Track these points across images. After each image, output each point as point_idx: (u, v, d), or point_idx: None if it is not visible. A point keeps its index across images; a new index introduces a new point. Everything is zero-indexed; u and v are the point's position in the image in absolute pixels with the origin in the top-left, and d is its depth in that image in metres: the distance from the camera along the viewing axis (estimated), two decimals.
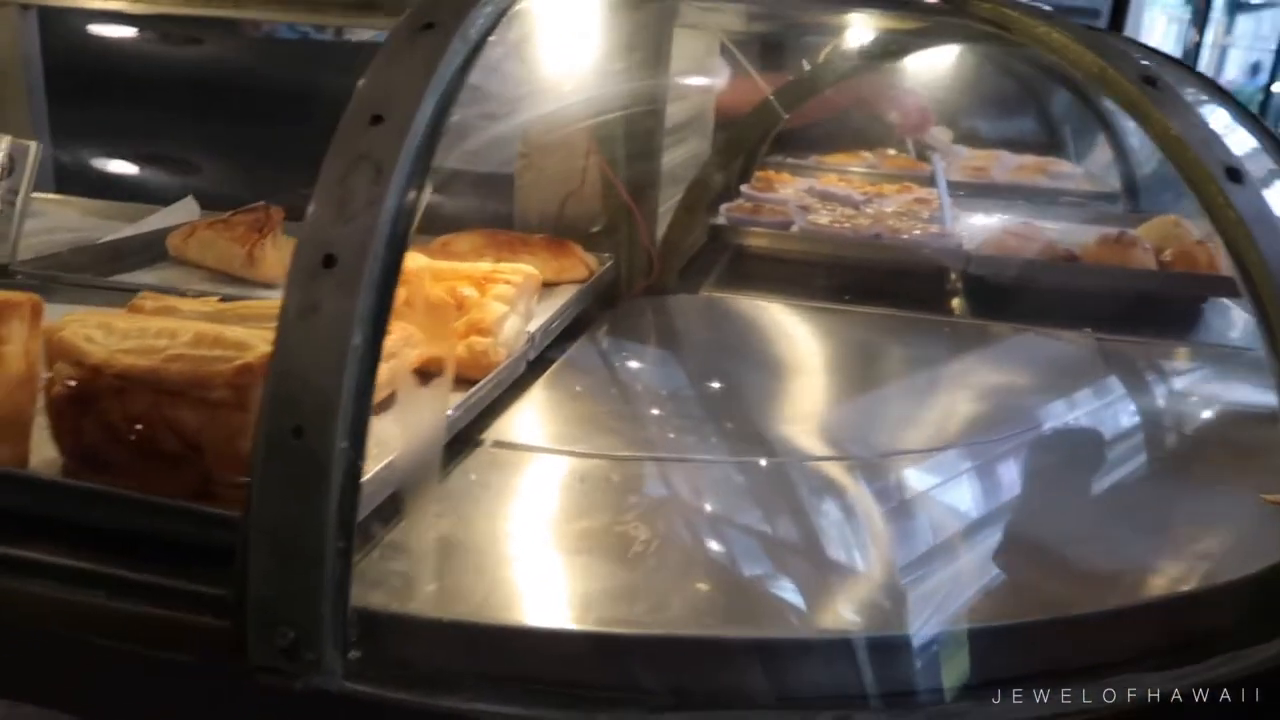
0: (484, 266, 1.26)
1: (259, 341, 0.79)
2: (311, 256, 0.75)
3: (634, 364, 1.40)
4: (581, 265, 1.65)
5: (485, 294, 1.20)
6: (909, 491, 1.01)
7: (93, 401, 0.79)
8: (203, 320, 0.89)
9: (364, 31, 3.63)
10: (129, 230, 1.68)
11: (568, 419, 1.18)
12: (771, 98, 2.02)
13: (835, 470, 1.06)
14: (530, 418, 1.16)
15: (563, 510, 0.95)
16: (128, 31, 2.70)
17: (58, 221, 1.82)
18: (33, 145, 1.47)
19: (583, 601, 0.78)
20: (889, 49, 2.08)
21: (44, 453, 0.89)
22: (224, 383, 0.76)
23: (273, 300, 0.96)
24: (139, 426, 0.78)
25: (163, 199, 2.09)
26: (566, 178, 1.80)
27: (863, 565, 0.88)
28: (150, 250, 1.63)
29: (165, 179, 2.62)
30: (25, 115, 2.15)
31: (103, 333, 0.81)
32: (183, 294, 1.34)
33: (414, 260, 1.29)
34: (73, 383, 0.79)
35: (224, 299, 1.35)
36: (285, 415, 0.72)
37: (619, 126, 1.70)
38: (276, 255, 1.52)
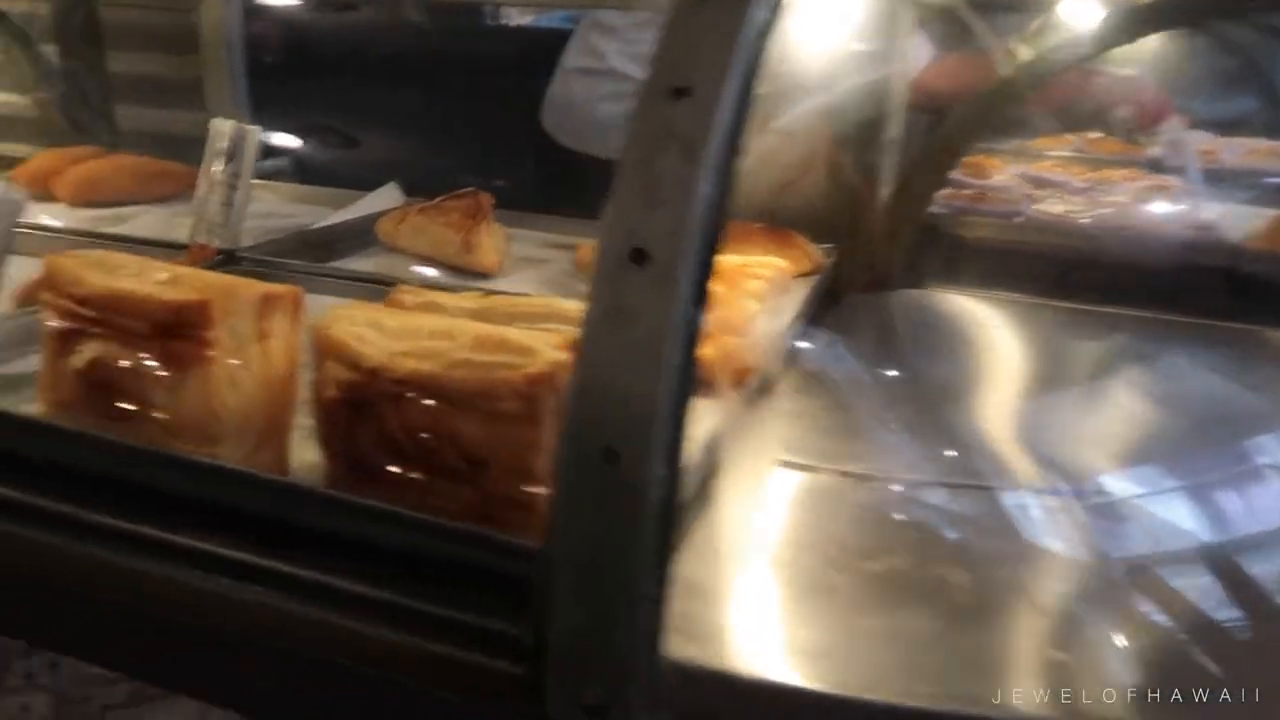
0: (733, 260, 1.15)
1: (544, 345, 0.70)
2: (618, 250, 0.65)
3: (881, 369, 1.27)
4: (806, 258, 1.52)
5: (735, 290, 1.09)
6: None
7: (368, 407, 0.72)
8: (469, 317, 0.81)
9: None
10: (339, 215, 1.65)
11: (828, 431, 1.06)
12: (1006, 78, 1.84)
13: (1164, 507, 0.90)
14: (786, 429, 1.04)
15: (861, 545, 0.83)
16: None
17: (264, 206, 1.81)
18: (253, 129, 1.44)
19: (933, 671, 0.65)
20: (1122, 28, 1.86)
21: (302, 456, 0.84)
22: (513, 393, 0.68)
23: (542, 297, 0.88)
24: (417, 437, 0.70)
25: (331, 175, 2.08)
26: (786, 165, 1.67)
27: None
28: (361, 236, 1.59)
29: (333, 154, 2.61)
30: (227, 94, 2.17)
31: (374, 331, 0.73)
32: (404, 283, 1.29)
33: None
34: (347, 386, 0.71)
35: (443, 289, 1.30)
36: (594, 435, 0.62)
37: (846, 112, 1.56)
38: (491, 242, 1.46)
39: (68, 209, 1.76)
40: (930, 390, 1.24)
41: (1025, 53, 2.01)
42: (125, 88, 2.16)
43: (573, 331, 0.76)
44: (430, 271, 1.47)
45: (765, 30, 0.73)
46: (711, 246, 0.65)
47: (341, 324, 0.74)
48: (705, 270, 0.65)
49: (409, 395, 0.70)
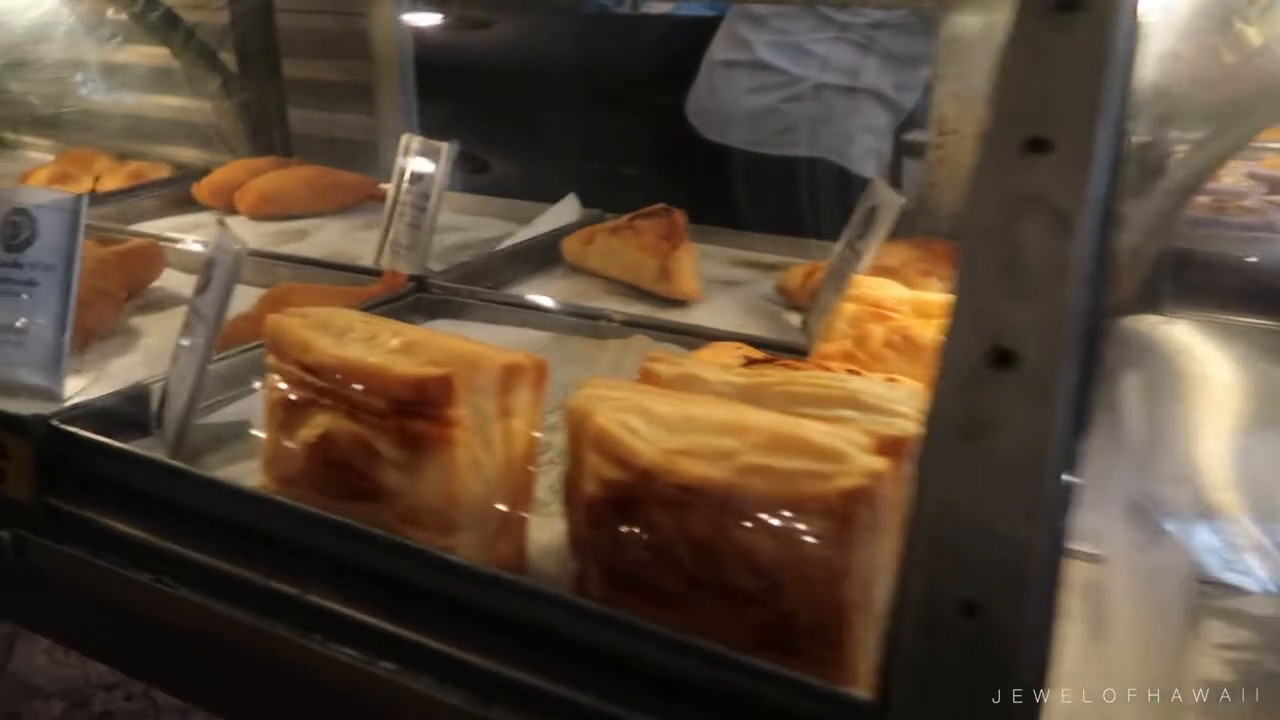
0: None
1: (853, 449, 0.59)
2: (973, 347, 0.52)
3: (1155, 410, 1.10)
4: None
5: None
6: None
7: (637, 510, 0.62)
8: (738, 396, 0.70)
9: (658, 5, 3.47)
10: (523, 233, 1.57)
11: None
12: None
13: None
14: None
15: None
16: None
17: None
18: (447, 145, 1.37)
19: None
20: None
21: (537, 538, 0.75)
22: (823, 510, 0.56)
23: (825, 373, 0.76)
24: (699, 550, 0.59)
25: (489, 183, 1.98)
26: None
27: None
28: (543, 254, 1.51)
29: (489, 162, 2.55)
30: (398, 100, 2.13)
31: (643, 420, 0.63)
32: (609, 319, 1.20)
33: (888, 288, 1.06)
34: (614, 486, 0.61)
35: (632, 319, 1.20)
36: (945, 581, 0.50)
37: None
38: (690, 266, 1.35)
39: (248, 222, 1.74)
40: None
41: (1254, 35, 1.77)
42: (297, 93, 2.15)
43: (883, 426, 0.64)
44: (618, 304, 1.38)
45: (1129, 60, 0.60)
46: (1095, 344, 0.52)
47: (605, 409, 0.64)
48: (1086, 374, 0.52)
49: (691, 503, 0.59)
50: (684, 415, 0.64)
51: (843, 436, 0.60)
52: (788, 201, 2.10)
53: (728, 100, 2.15)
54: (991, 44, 1.51)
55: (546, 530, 0.76)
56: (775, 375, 0.71)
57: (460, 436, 0.69)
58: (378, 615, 0.70)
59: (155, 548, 0.81)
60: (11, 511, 0.86)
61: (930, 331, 1.00)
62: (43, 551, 0.85)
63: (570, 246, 1.50)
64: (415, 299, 1.29)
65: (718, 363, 0.88)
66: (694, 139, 2.21)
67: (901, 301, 1.03)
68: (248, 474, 0.85)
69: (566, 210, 1.67)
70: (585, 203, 1.68)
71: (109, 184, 1.99)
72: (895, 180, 2.15)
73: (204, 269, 0.88)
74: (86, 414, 0.90)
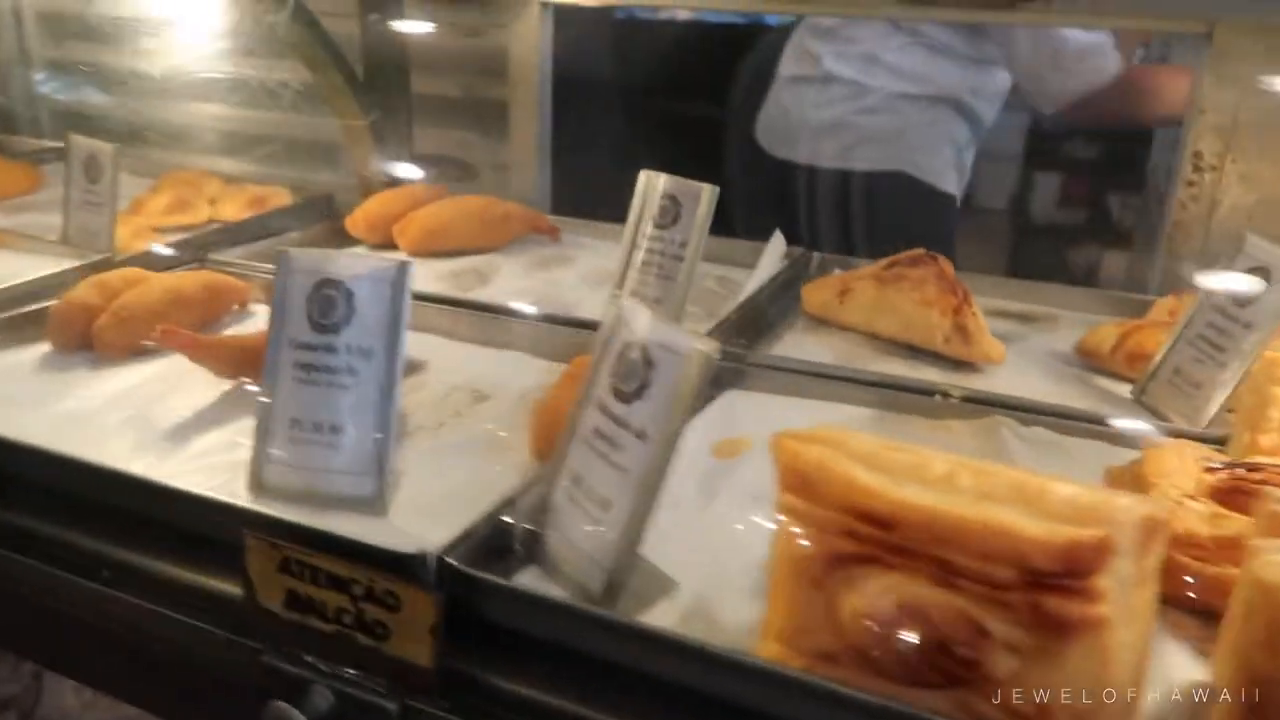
0: None
1: None
2: None
3: None
4: None
5: None
6: None
7: None
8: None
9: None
10: (753, 280, 1.40)
11: None
12: None
13: None
14: None
15: None
16: None
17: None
18: (707, 188, 1.21)
19: None
20: None
21: None
22: None
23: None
24: None
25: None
26: None
27: None
28: (775, 305, 1.36)
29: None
30: (534, 121, 1.96)
31: None
32: (946, 395, 1.05)
33: None
34: None
35: (972, 395, 1.06)
36: None
37: None
38: (984, 325, 1.20)
39: (413, 258, 1.56)
40: None
41: None
42: (423, 111, 1.97)
43: None
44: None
45: None
46: None
47: None
48: None
49: None
50: None
51: None
52: (871, 220, 1.98)
53: (795, 117, 2.01)
54: (1270, 66, 1.39)
55: None
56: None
57: (1111, 615, 0.54)
58: None
59: None
60: (401, 678, 0.69)
61: None
62: None
63: (817, 297, 1.34)
64: None
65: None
66: (764, 157, 2.08)
67: None
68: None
69: (778, 250, 1.51)
70: None
71: (226, 212, 1.80)
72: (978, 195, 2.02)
73: (614, 360, 0.72)
74: (470, 547, 0.73)
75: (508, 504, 0.78)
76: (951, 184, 1.96)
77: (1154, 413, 1.09)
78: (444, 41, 1.97)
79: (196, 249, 1.48)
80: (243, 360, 1.06)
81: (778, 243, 1.51)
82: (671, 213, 1.23)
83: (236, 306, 1.34)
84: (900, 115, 1.93)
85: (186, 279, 1.27)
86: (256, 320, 1.32)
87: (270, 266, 1.42)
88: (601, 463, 0.71)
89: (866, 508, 0.58)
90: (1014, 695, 0.56)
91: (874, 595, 0.58)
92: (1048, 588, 0.54)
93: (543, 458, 0.92)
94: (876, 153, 1.94)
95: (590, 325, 1.24)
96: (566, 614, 0.68)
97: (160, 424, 0.99)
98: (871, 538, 0.58)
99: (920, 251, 1.32)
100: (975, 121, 1.97)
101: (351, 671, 0.71)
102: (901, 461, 0.60)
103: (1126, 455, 0.96)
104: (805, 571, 0.61)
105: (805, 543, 0.60)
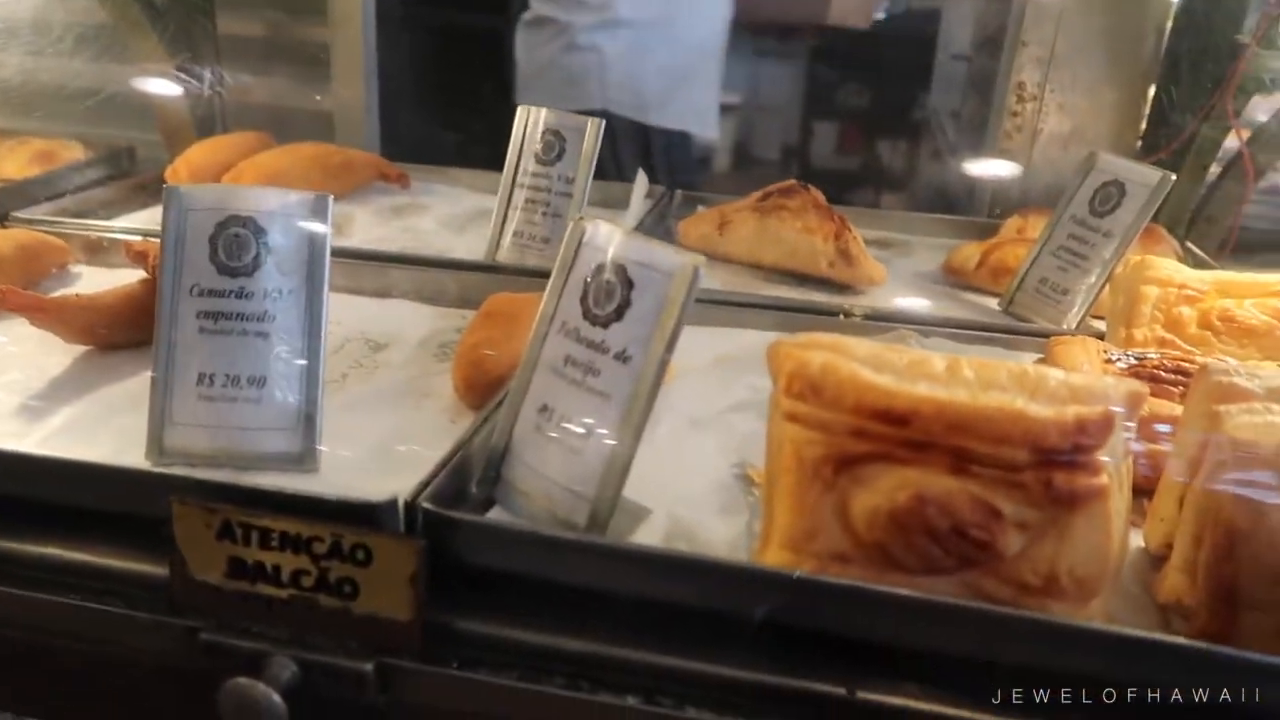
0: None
1: None
2: None
3: None
4: (1171, 253, 1.38)
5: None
6: None
7: None
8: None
9: None
10: (628, 217, 1.38)
11: None
12: None
13: None
14: None
15: None
16: None
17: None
18: (593, 120, 1.17)
19: None
20: None
21: None
22: None
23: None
24: None
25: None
26: None
27: None
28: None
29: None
30: (362, 65, 1.83)
31: None
32: (848, 314, 1.08)
33: (1174, 269, 1.02)
34: None
35: (874, 312, 1.09)
36: None
37: None
38: (862, 248, 1.24)
39: None
40: None
41: None
42: (230, 54, 1.80)
43: None
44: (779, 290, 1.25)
45: None
46: None
47: None
48: None
49: None
50: None
51: None
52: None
53: (523, 62, 1.97)
54: (1090, 4, 1.50)
55: None
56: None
57: (1111, 485, 0.57)
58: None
59: (602, 656, 0.63)
60: (374, 636, 0.63)
61: (1247, 311, 0.97)
62: (422, 682, 0.64)
63: (695, 230, 1.34)
64: None
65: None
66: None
67: (1202, 280, 1.00)
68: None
69: (641, 188, 1.50)
70: None
71: (7, 169, 1.57)
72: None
73: (582, 284, 0.68)
74: (432, 494, 0.68)
75: (462, 446, 0.73)
76: (669, 119, 1.92)
77: (1023, 320, 1.17)
78: None
79: None
80: (98, 322, 0.93)
81: (642, 182, 1.49)
82: (556, 147, 1.19)
83: (55, 269, 1.18)
84: (597, 51, 1.87)
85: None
86: (82, 282, 1.17)
87: (85, 223, 1.28)
88: (576, 390, 0.68)
89: (882, 406, 0.58)
90: (1023, 570, 0.58)
91: (889, 490, 0.59)
92: (1057, 465, 0.57)
93: (472, 400, 0.87)
94: (590, 93, 1.87)
95: (472, 267, 1.19)
96: (566, 547, 0.64)
97: (8, 399, 0.86)
98: (883, 435, 0.59)
99: (792, 181, 1.35)
100: (674, 44, 1.92)
101: (315, 637, 0.64)
102: (902, 361, 0.61)
103: (1022, 359, 1.03)
104: (814, 475, 0.60)
105: (817, 445, 0.60)
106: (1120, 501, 0.60)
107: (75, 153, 1.64)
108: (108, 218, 1.37)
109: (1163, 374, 0.84)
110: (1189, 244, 1.45)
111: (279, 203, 0.74)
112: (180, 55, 1.63)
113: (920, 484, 0.58)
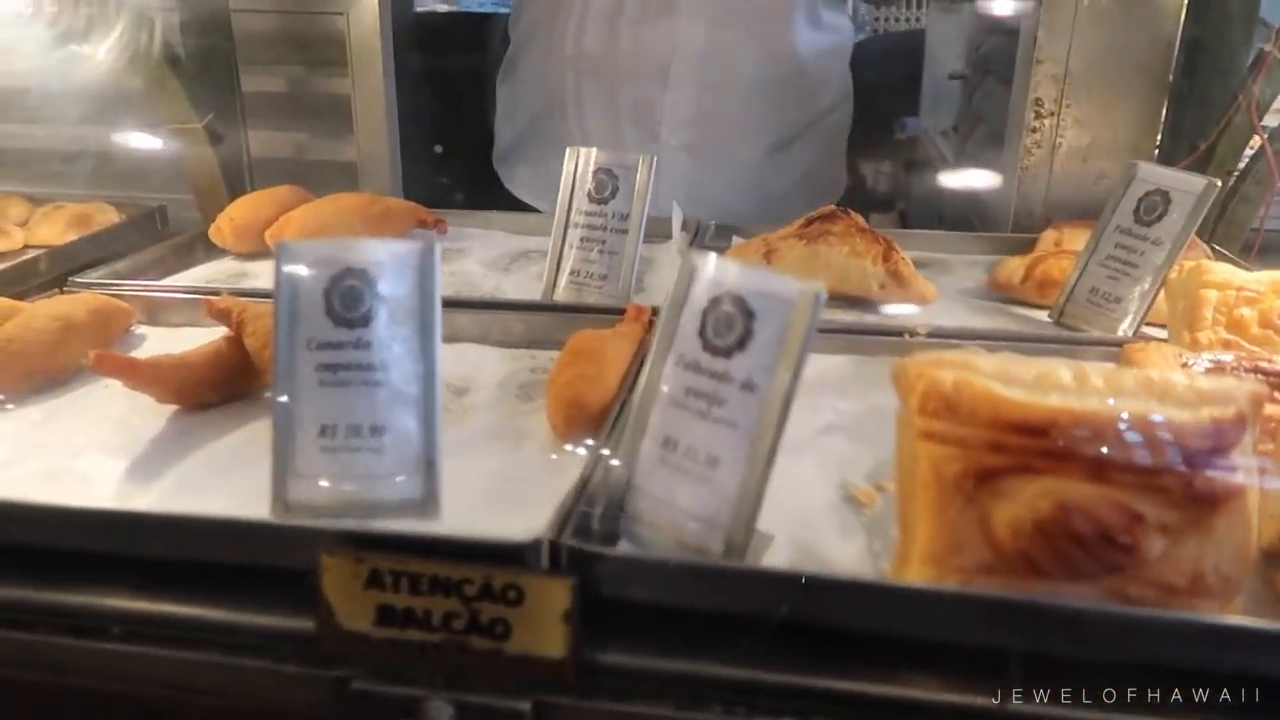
0: None
1: None
2: None
3: None
4: (1204, 258, 1.42)
5: None
6: None
7: None
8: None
9: None
10: (668, 249, 1.41)
11: None
12: None
13: None
14: None
15: None
16: None
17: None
18: (645, 157, 1.19)
19: None
20: None
21: None
22: None
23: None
24: None
25: None
26: None
27: None
28: None
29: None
30: (384, 114, 1.86)
31: None
32: (914, 334, 1.10)
33: (1229, 271, 1.05)
34: None
35: (938, 331, 1.12)
36: None
37: None
38: (911, 268, 1.27)
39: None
40: None
41: None
42: (253, 109, 1.82)
43: None
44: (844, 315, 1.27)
45: None
46: None
47: None
48: None
49: None
50: None
51: None
52: None
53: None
54: (1095, 17, 1.55)
55: None
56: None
57: (1249, 483, 0.59)
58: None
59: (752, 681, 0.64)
60: (529, 674, 0.64)
61: None
62: (580, 717, 0.65)
63: (741, 259, 1.36)
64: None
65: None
66: None
67: (1260, 282, 1.03)
68: None
69: (678, 220, 1.52)
70: None
71: (45, 235, 1.58)
72: None
73: (699, 315, 0.70)
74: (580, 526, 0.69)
75: (582, 483, 0.75)
76: None
77: (1074, 330, 1.20)
78: (271, 28, 1.82)
79: (43, 274, 1.30)
80: (188, 381, 0.94)
81: (678, 214, 1.52)
82: (609, 186, 1.21)
83: (122, 331, 1.18)
84: None
85: (69, 304, 1.10)
86: (149, 343, 1.18)
87: (144, 285, 1.28)
88: (702, 422, 0.70)
89: (1019, 418, 0.60)
90: (1167, 572, 0.60)
91: (1032, 500, 0.60)
92: (1196, 466, 0.59)
93: (571, 437, 0.88)
94: None
95: (536, 307, 1.21)
96: (717, 575, 0.66)
97: (113, 464, 0.86)
98: (1021, 447, 0.61)
99: (832, 208, 1.38)
100: None
101: (469, 679, 0.65)
102: (1030, 374, 0.63)
103: None
104: (955, 490, 0.62)
105: (954, 462, 0.62)
106: (1253, 496, 0.62)
107: (110, 215, 1.65)
108: (159, 277, 1.38)
109: (1242, 374, 0.87)
110: (1215, 246, 1.49)
111: (388, 254, 0.76)
112: (206, 114, 1.64)
113: (1062, 492, 0.60)
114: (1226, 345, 1.01)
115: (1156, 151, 1.61)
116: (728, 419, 0.69)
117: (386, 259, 0.76)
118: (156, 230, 1.66)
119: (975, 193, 1.84)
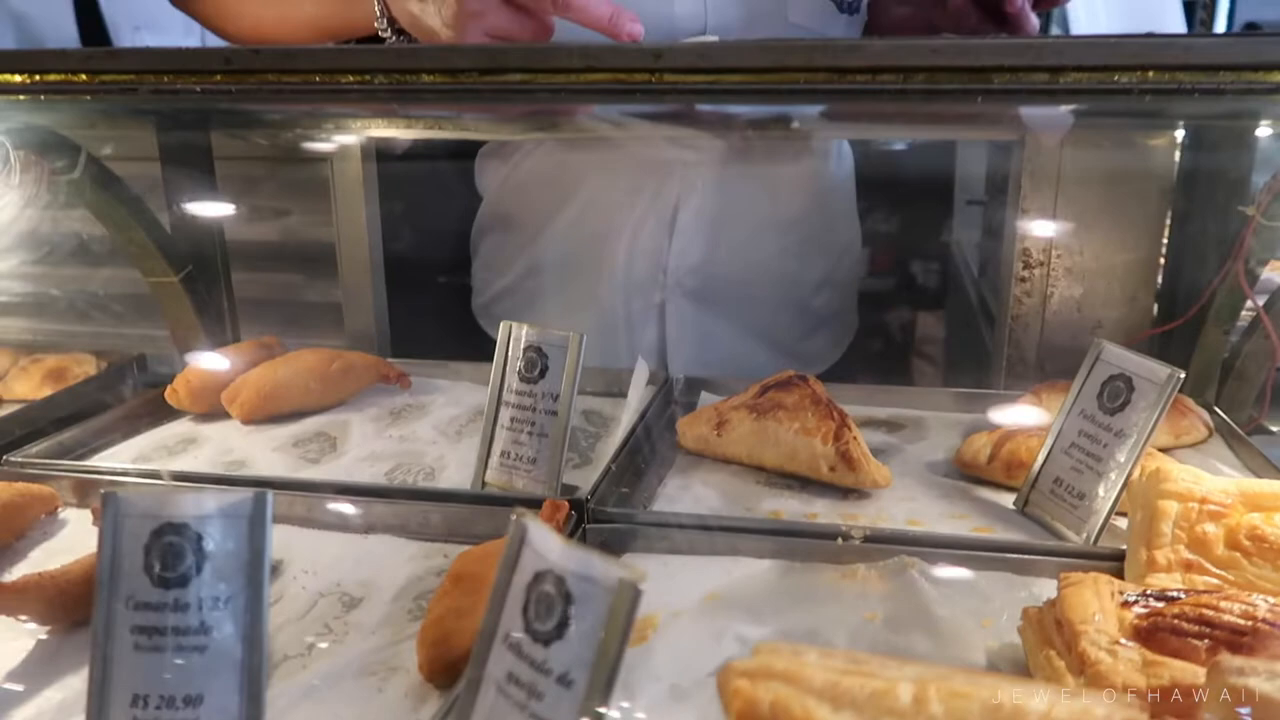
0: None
1: None
2: None
3: None
4: (1200, 425, 1.31)
5: None
6: None
7: None
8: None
9: None
10: (627, 417, 1.35)
11: None
12: None
13: None
14: None
15: None
16: None
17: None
18: (573, 335, 1.14)
19: None
20: None
21: None
22: None
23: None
24: None
25: None
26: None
27: None
28: (649, 441, 1.31)
29: None
30: (368, 258, 1.86)
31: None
32: (846, 536, 1.01)
33: (1195, 476, 0.95)
34: None
35: (875, 534, 1.03)
36: None
37: None
38: (864, 449, 1.19)
39: (244, 429, 1.43)
40: None
41: None
42: (240, 255, 1.84)
43: None
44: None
45: None
46: None
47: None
48: None
49: None
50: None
51: None
52: None
53: None
54: (1081, 173, 1.47)
55: None
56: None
57: None
58: None
59: None
60: None
61: (1278, 528, 0.89)
62: None
63: (693, 431, 1.30)
64: (580, 533, 1.06)
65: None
66: None
67: (1226, 493, 0.92)
68: None
69: (641, 377, 1.46)
70: None
71: (20, 389, 1.60)
72: None
73: (524, 590, 0.63)
74: None
75: None
76: None
77: (1040, 524, 1.10)
78: (257, 175, 1.85)
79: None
80: (64, 599, 0.90)
81: (642, 370, 1.46)
82: (538, 365, 1.16)
83: (43, 515, 1.16)
84: None
85: None
86: (69, 530, 1.15)
87: (77, 465, 1.27)
88: (519, 716, 0.63)
89: None
90: None
91: None
92: None
93: (435, 680, 0.82)
94: None
95: (456, 498, 1.15)
96: None
97: None
98: None
99: (790, 374, 1.31)
100: None
101: None
102: (865, 690, 0.55)
103: (1033, 585, 0.96)
104: None
105: None
106: None
107: (87, 367, 1.67)
108: (107, 445, 1.37)
109: (1184, 625, 0.76)
110: (1217, 410, 1.37)
111: (217, 505, 0.71)
112: (187, 266, 1.65)
113: None
114: (1187, 567, 0.90)
115: (1155, 305, 1.51)
116: (544, 717, 0.62)
117: (214, 511, 0.71)
118: (132, 384, 1.67)
119: (972, 338, 1.76)
